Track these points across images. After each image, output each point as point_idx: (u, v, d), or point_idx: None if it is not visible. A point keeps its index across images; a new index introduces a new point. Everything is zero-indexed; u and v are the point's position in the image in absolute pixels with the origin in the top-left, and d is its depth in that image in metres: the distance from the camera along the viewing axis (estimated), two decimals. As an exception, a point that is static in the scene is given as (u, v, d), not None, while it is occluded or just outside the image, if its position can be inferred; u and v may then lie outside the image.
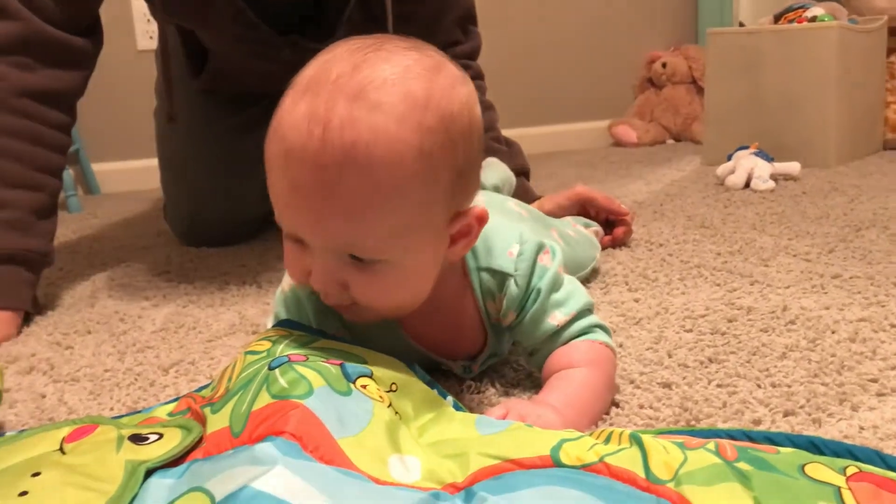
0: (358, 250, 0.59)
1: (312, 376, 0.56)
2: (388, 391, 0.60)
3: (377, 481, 0.50)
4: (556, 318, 0.69)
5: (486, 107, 1.39)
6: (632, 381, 0.74)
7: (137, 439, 0.58)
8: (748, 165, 1.73)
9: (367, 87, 0.55)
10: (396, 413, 0.59)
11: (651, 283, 1.06)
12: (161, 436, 0.59)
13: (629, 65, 2.84)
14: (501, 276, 0.70)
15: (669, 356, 0.80)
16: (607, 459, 0.50)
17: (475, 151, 0.62)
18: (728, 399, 0.69)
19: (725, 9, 2.78)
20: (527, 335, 0.71)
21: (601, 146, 2.76)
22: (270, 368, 0.58)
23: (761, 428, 0.64)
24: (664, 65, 2.70)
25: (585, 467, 0.50)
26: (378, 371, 0.61)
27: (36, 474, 0.54)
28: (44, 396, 0.79)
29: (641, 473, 0.48)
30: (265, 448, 0.49)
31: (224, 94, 1.42)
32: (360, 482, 0.49)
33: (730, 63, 2.06)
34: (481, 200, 0.82)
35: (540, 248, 0.71)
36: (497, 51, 2.13)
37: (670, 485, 0.47)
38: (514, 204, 1.02)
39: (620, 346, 0.83)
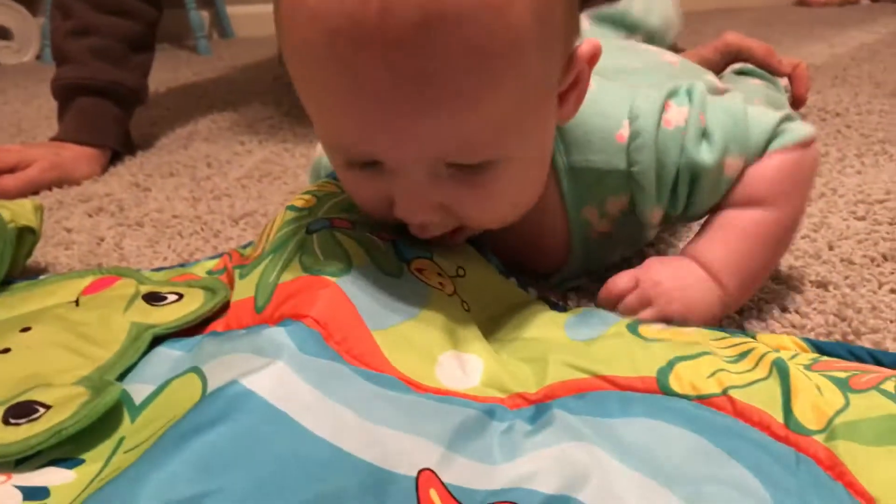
0: (464, 154, 0.41)
1: (354, 250, 0.45)
2: (453, 276, 0.48)
3: (417, 387, 0.39)
4: (731, 167, 0.50)
5: None
6: (776, 277, 0.58)
7: (153, 299, 0.49)
8: (962, 27, 1.42)
9: None
10: (464, 302, 0.46)
11: (822, 158, 0.86)
12: (181, 297, 0.50)
13: None
14: (611, 176, 0.51)
15: (830, 248, 0.63)
16: (734, 393, 0.36)
17: None
18: (904, 310, 0.52)
19: None
20: (701, 209, 0.52)
21: (782, 4, 2.42)
22: (308, 232, 0.47)
23: (948, 353, 0.47)
24: None
25: (703, 399, 0.37)
26: (441, 254, 0.49)
27: (26, 329, 0.46)
28: (102, 240, 0.72)
29: (779, 417, 0.35)
30: (275, 335, 0.38)
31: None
32: (387, 389, 0.37)
33: None
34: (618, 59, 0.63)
35: (661, 110, 0.50)
36: None
37: (819, 437, 0.33)
38: (669, 57, 0.78)
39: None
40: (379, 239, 0.47)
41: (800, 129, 0.51)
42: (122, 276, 0.54)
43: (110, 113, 0.96)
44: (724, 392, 0.36)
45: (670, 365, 0.39)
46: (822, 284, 0.57)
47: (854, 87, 1.19)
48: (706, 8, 2.27)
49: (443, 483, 0.33)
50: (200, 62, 1.75)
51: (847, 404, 0.34)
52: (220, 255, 0.60)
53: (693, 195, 0.51)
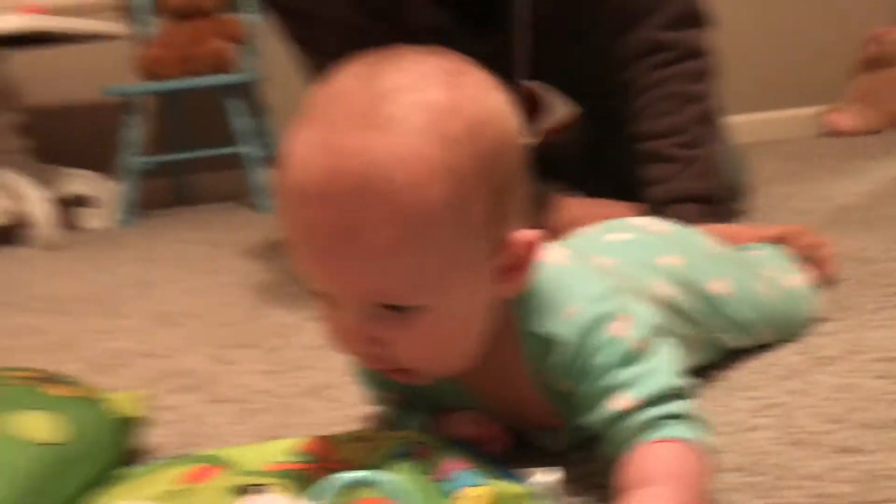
0: (390, 297, 0.52)
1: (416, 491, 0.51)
2: None
3: None
4: (618, 403, 0.54)
5: (691, 98, 1.18)
6: (798, 443, 0.64)
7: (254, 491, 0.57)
8: None
9: (379, 102, 0.49)
10: None
11: (845, 311, 0.92)
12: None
13: (848, 43, 2.55)
14: (549, 343, 0.57)
15: (853, 411, 0.68)
16: None
17: (512, 166, 0.54)
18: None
19: (968, -26, 2.43)
20: (584, 417, 0.57)
21: (812, 135, 2.51)
22: (394, 456, 0.54)
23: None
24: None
25: None
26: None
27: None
28: (194, 417, 0.81)
29: None
30: None
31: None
32: None
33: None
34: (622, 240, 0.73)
35: (611, 315, 0.56)
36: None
37: None
38: (659, 226, 0.81)
39: (794, 392, 0.72)
40: (437, 474, 0.52)
41: (685, 431, 0.53)
42: (226, 465, 0.61)
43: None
44: None
45: None
46: (846, 450, 0.61)
47: (881, 231, 1.25)
48: (741, 142, 2.36)
49: None
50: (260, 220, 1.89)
51: None
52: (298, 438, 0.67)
53: (580, 392, 0.56)
